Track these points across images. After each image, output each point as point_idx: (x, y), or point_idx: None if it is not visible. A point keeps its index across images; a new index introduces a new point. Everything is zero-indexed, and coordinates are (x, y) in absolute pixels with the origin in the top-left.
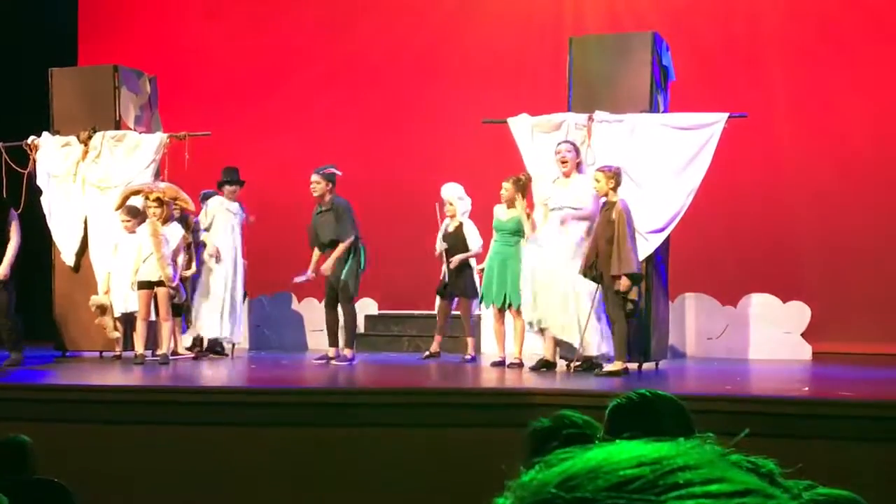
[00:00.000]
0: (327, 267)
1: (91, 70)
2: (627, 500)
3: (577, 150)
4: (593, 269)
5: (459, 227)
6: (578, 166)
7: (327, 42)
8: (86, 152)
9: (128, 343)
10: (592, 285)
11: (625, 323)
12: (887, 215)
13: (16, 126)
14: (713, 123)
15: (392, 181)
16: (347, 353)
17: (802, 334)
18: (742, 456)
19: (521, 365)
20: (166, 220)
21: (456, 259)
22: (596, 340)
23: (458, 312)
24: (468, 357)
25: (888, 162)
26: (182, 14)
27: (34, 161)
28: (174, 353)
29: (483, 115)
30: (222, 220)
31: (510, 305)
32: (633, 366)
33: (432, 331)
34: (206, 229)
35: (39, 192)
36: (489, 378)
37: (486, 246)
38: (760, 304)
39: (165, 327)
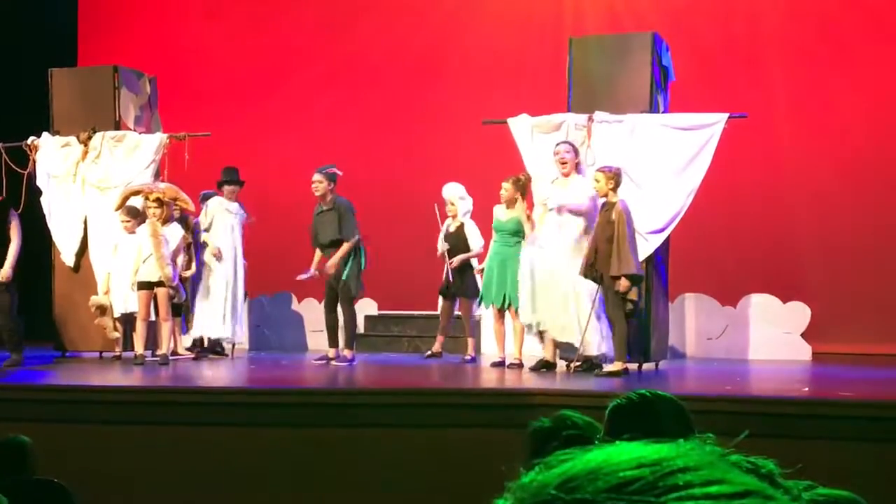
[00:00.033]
0: (331, 265)
1: (91, 70)
2: (627, 502)
3: (575, 151)
4: (593, 269)
5: (461, 227)
6: (577, 167)
7: (327, 42)
8: (86, 153)
9: (128, 343)
10: (593, 285)
11: (625, 323)
12: (887, 215)
13: (16, 126)
14: (713, 124)
15: (392, 181)
16: (347, 353)
17: (802, 334)
18: (742, 456)
19: (520, 365)
20: (166, 221)
21: (457, 259)
22: (596, 341)
23: (458, 312)
24: (468, 357)
25: (888, 162)
26: (182, 14)
27: (34, 161)
28: (174, 353)
29: (483, 116)
30: (222, 220)
31: (510, 306)
32: (632, 366)
33: (432, 331)
34: (206, 230)
35: (39, 192)
36: (489, 378)
37: (486, 246)
38: (760, 305)
39: (165, 328)
